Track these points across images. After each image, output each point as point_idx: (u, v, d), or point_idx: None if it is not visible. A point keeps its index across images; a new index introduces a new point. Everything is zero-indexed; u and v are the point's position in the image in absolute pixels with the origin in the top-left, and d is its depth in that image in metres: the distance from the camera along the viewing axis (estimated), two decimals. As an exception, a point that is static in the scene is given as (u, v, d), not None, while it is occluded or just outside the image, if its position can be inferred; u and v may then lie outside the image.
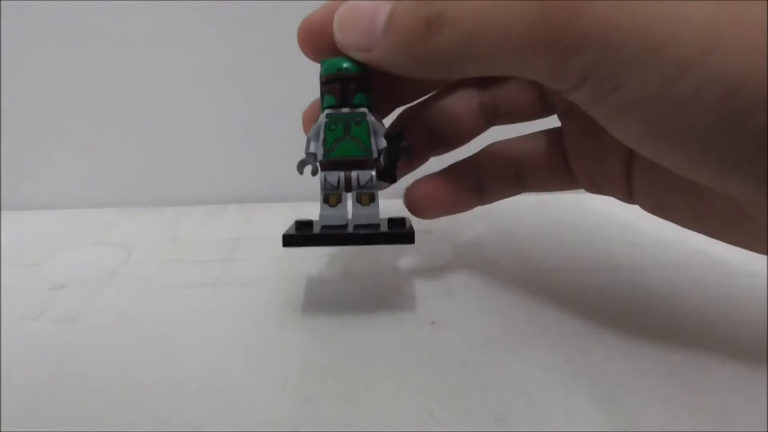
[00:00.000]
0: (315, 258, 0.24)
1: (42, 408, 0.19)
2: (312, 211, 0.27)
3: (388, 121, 0.25)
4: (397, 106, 0.26)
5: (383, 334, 0.23)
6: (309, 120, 0.24)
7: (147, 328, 0.24)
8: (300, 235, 0.22)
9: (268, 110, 0.37)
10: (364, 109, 0.22)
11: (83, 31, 0.35)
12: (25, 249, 0.32)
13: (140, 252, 0.31)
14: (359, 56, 0.21)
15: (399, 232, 0.22)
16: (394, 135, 0.22)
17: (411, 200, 0.25)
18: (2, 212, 0.37)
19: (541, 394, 0.20)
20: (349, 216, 0.22)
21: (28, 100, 0.36)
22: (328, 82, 0.22)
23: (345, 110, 0.22)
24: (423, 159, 0.26)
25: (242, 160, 0.39)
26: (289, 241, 0.22)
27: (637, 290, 0.26)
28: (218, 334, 0.23)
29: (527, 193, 0.26)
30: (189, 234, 0.33)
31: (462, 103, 0.26)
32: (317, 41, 0.23)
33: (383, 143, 0.22)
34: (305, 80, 0.37)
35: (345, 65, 0.21)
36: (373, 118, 0.22)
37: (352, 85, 0.22)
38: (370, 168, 0.22)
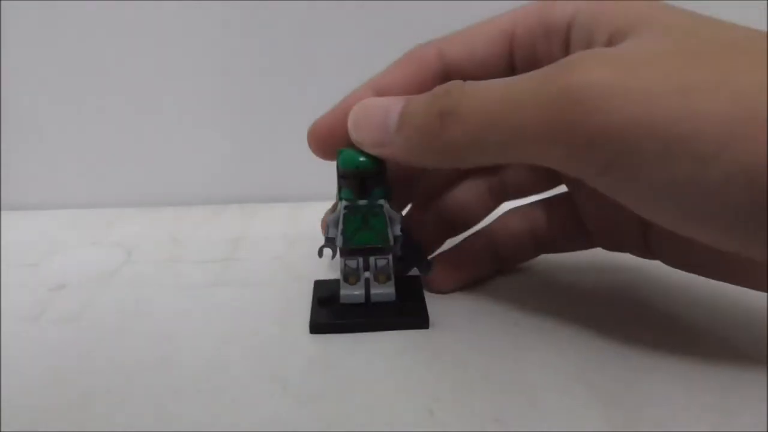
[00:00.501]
0: (315, 258, 0.24)
1: (42, 408, 0.20)
2: (312, 211, 0.27)
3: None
4: (412, 201, 0.27)
5: (383, 333, 0.23)
6: (318, 133, 0.25)
7: (147, 328, 0.24)
8: (328, 323, 0.23)
9: (268, 110, 0.37)
10: (381, 201, 0.23)
11: (83, 30, 0.35)
12: (25, 249, 0.32)
13: (140, 252, 0.31)
14: (374, 151, 0.22)
15: (415, 320, 0.23)
16: (411, 248, 0.24)
17: (430, 281, 0.26)
18: (2, 212, 0.37)
19: (541, 394, 0.20)
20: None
21: (28, 100, 0.36)
22: (345, 176, 0.23)
23: (362, 202, 0.23)
24: (438, 244, 0.27)
25: (242, 160, 0.39)
26: (317, 328, 0.23)
27: (637, 290, 0.26)
28: (218, 334, 0.23)
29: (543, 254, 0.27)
30: (189, 234, 0.33)
31: (472, 192, 0.27)
32: (328, 144, 0.24)
33: (399, 230, 0.24)
34: (306, 80, 0.37)
35: (362, 162, 0.22)
36: (389, 208, 0.23)
37: (369, 181, 0.23)
38: (387, 254, 0.24)
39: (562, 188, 0.26)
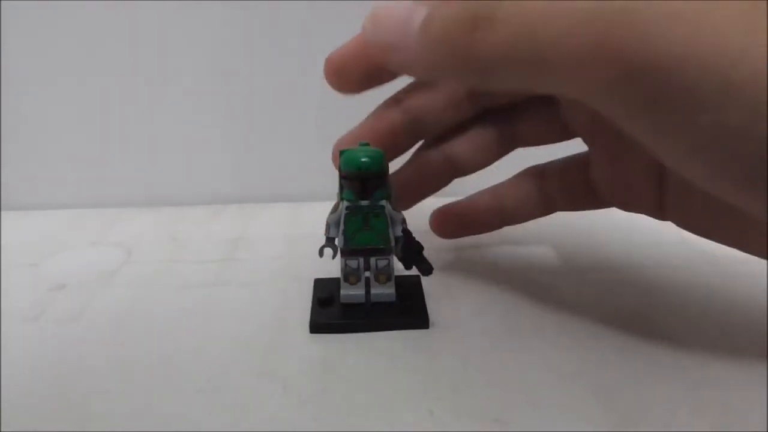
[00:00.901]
0: (315, 258, 0.24)
1: (42, 408, 0.20)
2: (312, 211, 0.27)
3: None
4: (418, 201, 0.27)
5: (383, 333, 0.23)
6: (336, 63, 0.23)
7: (147, 328, 0.24)
8: (328, 323, 0.23)
9: (268, 110, 0.37)
10: (383, 202, 0.23)
11: (83, 30, 0.35)
12: (25, 249, 0.32)
13: (140, 252, 0.31)
14: (387, 57, 0.20)
15: (416, 321, 0.23)
16: (412, 249, 0.24)
17: (437, 226, 0.27)
18: (2, 212, 0.37)
19: (541, 394, 0.20)
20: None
21: (28, 100, 0.36)
22: (347, 177, 0.23)
23: (364, 202, 0.23)
24: (445, 183, 0.27)
25: (242, 160, 0.39)
26: (316, 328, 0.23)
27: (637, 290, 0.26)
28: (218, 334, 0.23)
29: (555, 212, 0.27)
30: (189, 234, 0.33)
31: (482, 137, 0.26)
32: (345, 72, 0.22)
33: (400, 231, 0.24)
34: (306, 80, 0.37)
35: (364, 164, 0.22)
36: (390, 208, 0.23)
37: (371, 183, 0.23)
38: (388, 254, 0.24)
39: (572, 146, 0.25)
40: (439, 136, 0.26)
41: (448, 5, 0.18)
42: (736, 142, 0.15)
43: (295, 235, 0.33)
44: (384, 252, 0.24)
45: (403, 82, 0.24)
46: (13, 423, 0.19)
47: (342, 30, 0.36)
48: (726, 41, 0.14)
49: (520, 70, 0.17)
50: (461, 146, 0.26)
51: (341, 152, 0.23)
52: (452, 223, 0.28)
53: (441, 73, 0.19)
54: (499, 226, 0.27)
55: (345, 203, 0.23)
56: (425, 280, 0.25)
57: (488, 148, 0.26)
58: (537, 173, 0.26)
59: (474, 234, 0.28)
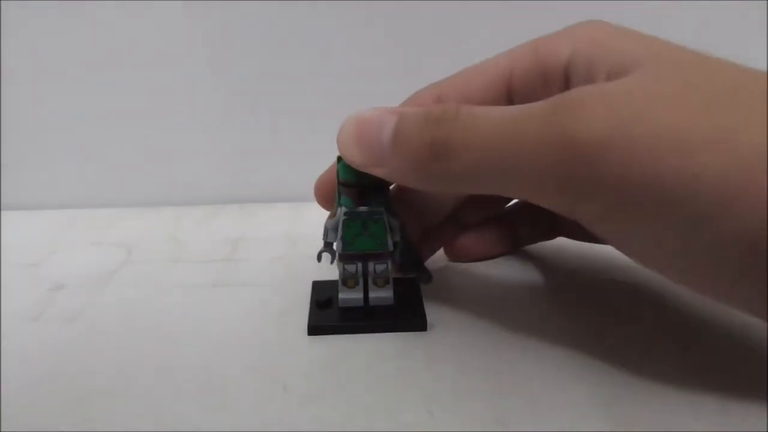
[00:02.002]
0: (315, 259, 0.24)
1: (42, 408, 0.20)
2: (312, 212, 0.27)
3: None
4: (421, 224, 0.27)
5: (382, 336, 0.23)
6: (323, 190, 0.25)
7: (147, 328, 0.24)
8: (326, 326, 0.23)
9: (268, 110, 0.37)
10: (380, 208, 0.23)
11: (83, 30, 0.35)
12: (25, 249, 0.32)
13: (140, 252, 0.31)
14: (368, 171, 0.21)
15: (414, 323, 0.23)
16: (410, 257, 0.24)
17: (451, 256, 0.28)
18: (2, 212, 0.37)
19: (541, 394, 0.20)
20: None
21: (28, 100, 0.36)
22: (345, 185, 0.23)
23: (363, 208, 0.23)
24: (456, 229, 0.28)
25: (242, 160, 0.39)
26: (315, 331, 0.23)
27: (637, 290, 0.26)
28: (218, 334, 0.23)
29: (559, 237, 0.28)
30: (189, 234, 0.33)
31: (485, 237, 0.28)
32: (331, 195, 0.24)
33: (398, 237, 0.24)
34: (306, 80, 0.37)
35: (362, 173, 0.22)
36: (389, 214, 0.23)
37: (368, 191, 0.22)
38: (386, 259, 0.24)
39: None
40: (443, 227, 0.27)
41: (409, 120, 0.19)
42: (680, 250, 0.16)
43: (295, 235, 0.33)
44: (382, 256, 0.24)
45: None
46: (13, 423, 0.19)
47: (342, 30, 0.36)
48: (661, 162, 0.15)
49: (482, 189, 0.19)
50: (468, 240, 0.28)
51: (338, 159, 0.22)
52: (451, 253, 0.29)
53: (420, 185, 0.20)
54: (510, 251, 0.29)
55: (343, 209, 0.23)
56: (424, 282, 0.25)
57: (492, 247, 0.28)
58: (504, 217, 0.28)
59: (486, 259, 0.29)
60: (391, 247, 0.23)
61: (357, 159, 0.21)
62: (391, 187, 0.24)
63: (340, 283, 0.24)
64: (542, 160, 0.17)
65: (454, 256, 0.28)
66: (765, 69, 0.17)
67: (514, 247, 0.29)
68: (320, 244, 0.25)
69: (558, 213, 0.18)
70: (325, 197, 0.25)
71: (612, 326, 0.23)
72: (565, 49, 0.20)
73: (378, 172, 0.21)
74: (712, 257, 0.16)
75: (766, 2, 0.35)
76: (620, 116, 0.16)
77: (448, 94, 0.22)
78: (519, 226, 0.28)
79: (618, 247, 0.19)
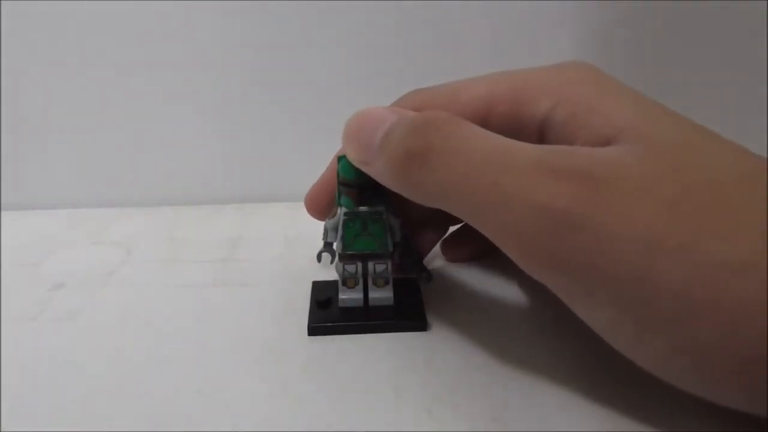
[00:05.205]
0: (314, 259, 0.24)
1: (42, 408, 0.20)
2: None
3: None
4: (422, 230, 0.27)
5: (381, 335, 0.23)
6: (315, 201, 0.25)
7: (146, 328, 0.24)
8: (326, 326, 0.23)
9: (267, 110, 0.37)
10: (380, 208, 0.23)
11: (83, 30, 0.35)
12: (25, 249, 0.32)
13: (140, 252, 0.31)
14: (360, 167, 0.21)
15: (414, 323, 0.23)
16: (410, 257, 0.25)
17: (448, 257, 0.28)
18: (2, 212, 0.37)
19: (540, 394, 0.20)
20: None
21: (27, 99, 0.36)
22: (345, 184, 0.23)
23: (363, 208, 0.23)
24: (444, 231, 0.28)
25: (242, 160, 0.39)
26: (314, 331, 0.23)
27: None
28: (217, 334, 0.23)
29: None
30: (189, 234, 0.33)
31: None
32: (325, 207, 0.24)
33: (398, 237, 0.24)
34: (305, 80, 0.37)
35: (361, 172, 0.22)
36: (389, 215, 0.23)
37: (368, 191, 0.23)
38: (386, 260, 0.24)
39: None
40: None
41: (400, 124, 0.19)
42: (632, 351, 0.18)
43: (294, 235, 0.33)
44: (382, 256, 0.24)
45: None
46: (13, 423, 0.19)
47: (342, 30, 0.36)
48: (629, 257, 0.16)
49: (457, 211, 0.19)
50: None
51: (339, 158, 0.23)
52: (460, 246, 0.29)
53: (397, 191, 0.20)
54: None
55: (343, 209, 0.23)
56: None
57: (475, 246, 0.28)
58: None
59: (483, 257, 0.29)
60: (391, 247, 0.23)
61: (351, 153, 0.21)
62: None
63: (340, 283, 0.24)
64: (516, 210, 0.17)
65: (448, 256, 0.29)
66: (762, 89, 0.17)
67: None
68: (320, 244, 0.25)
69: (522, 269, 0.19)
70: (318, 209, 0.25)
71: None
72: (544, 104, 0.20)
73: (367, 170, 0.21)
74: (666, 368, 0.17)
75: (766, 2, 0.35)
76: (598, 199, 0.16)
77: (435, 103, 0.22)
78: None
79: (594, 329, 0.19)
